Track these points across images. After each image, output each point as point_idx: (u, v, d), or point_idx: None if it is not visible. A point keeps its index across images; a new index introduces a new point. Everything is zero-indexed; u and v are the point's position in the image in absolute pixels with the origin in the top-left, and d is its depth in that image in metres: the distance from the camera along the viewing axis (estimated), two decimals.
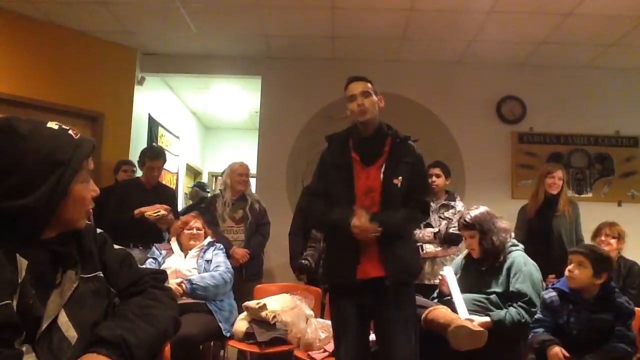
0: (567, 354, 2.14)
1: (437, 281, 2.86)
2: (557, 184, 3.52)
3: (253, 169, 4.23)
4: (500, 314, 2.40)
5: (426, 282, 3.28)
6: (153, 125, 5.28)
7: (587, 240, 3.38)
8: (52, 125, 1.06)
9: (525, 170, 4.61)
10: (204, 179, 7.72)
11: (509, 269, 2.51)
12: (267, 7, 3.81)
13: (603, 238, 3.21)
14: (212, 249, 3.03)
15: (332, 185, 2.14)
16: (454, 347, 2.19)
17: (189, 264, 2.91)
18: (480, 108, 4.71)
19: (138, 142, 4.75)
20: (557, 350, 2.15)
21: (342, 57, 4.71)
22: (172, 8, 3.84)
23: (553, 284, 2.47)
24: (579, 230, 3.58)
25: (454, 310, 2.40)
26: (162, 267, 2.84)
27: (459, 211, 3.35)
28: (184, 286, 2.70)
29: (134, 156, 4.15)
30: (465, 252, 2.80)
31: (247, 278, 3.42)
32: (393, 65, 4.70)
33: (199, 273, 2.85)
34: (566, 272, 2.32)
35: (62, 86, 4.20)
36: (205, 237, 3.09)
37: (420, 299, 2.45)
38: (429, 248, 3.40)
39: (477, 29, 4.06)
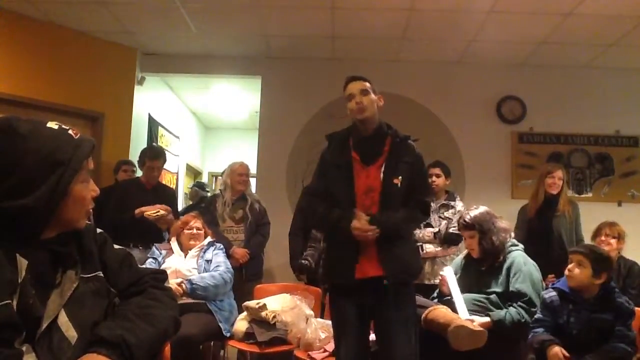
0: (567, 354, 2.14)
1: (437, 281, 2.87)
2: (557, 183, 3.52)
3: (253, 169, 4.23)
4: (500, 314, 2.40)
5: (426, 282, 3.28)
6: (153, 125, 5.28)
7: (587, 240, 3.38)
8: (52, 125, 1.06)
9: (525, 170, 4.61)
10: (204, 179, 7.72)
11: (508, 269, 2.52)
12: (267, 7, 3.81)
13: (603, 238, 3.22)
14: (212, 249, 3.03)
15: (332, 185, 2.14)
16: (454, 347, 2.19)
17: (189, 264, 2.91)
18: (480, 108, 4.71)
19: (138, 142, 4.74)
20: (557, 350, 2.15)
21: (342, 57, 4.71)
22: (172, 8, 3.84)
23: (553, 284, 2.47)
24: (579, 230, 3.58)
25: (454, 310, 2.40)
26: (162, 267, 2.84)
27: (458, 211, 3.35)
28: (184, 286, 2.70)
29: (134, 156, 4.15)
30: (465, 252, 2.80)
31: (247, 278, 3.42)
32: (393, 65, 4.70)
33: (199, 273, 2.85)
34: (566, 272, 2.32)
35: (62, 86, 4.20)
36: (205, 237, 3.09)
37: (420, 299, 2.45)
38: (429, 248, 3.40)
39: (477, 29, 4.05)
